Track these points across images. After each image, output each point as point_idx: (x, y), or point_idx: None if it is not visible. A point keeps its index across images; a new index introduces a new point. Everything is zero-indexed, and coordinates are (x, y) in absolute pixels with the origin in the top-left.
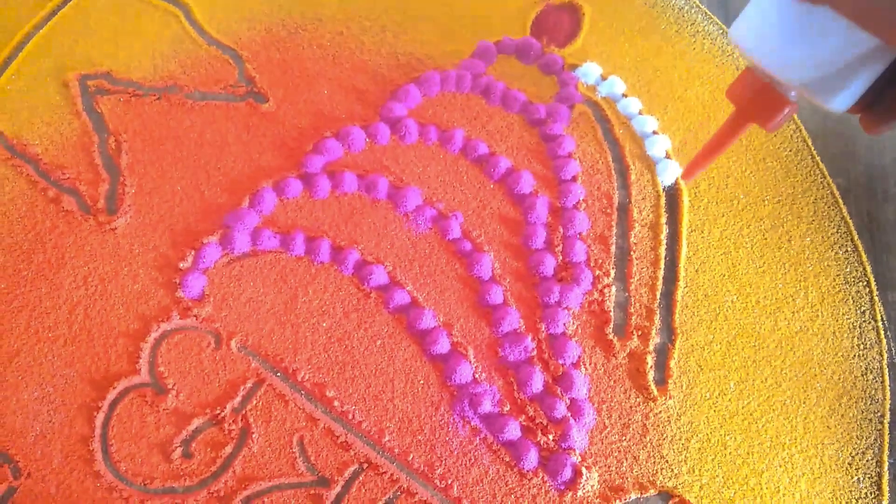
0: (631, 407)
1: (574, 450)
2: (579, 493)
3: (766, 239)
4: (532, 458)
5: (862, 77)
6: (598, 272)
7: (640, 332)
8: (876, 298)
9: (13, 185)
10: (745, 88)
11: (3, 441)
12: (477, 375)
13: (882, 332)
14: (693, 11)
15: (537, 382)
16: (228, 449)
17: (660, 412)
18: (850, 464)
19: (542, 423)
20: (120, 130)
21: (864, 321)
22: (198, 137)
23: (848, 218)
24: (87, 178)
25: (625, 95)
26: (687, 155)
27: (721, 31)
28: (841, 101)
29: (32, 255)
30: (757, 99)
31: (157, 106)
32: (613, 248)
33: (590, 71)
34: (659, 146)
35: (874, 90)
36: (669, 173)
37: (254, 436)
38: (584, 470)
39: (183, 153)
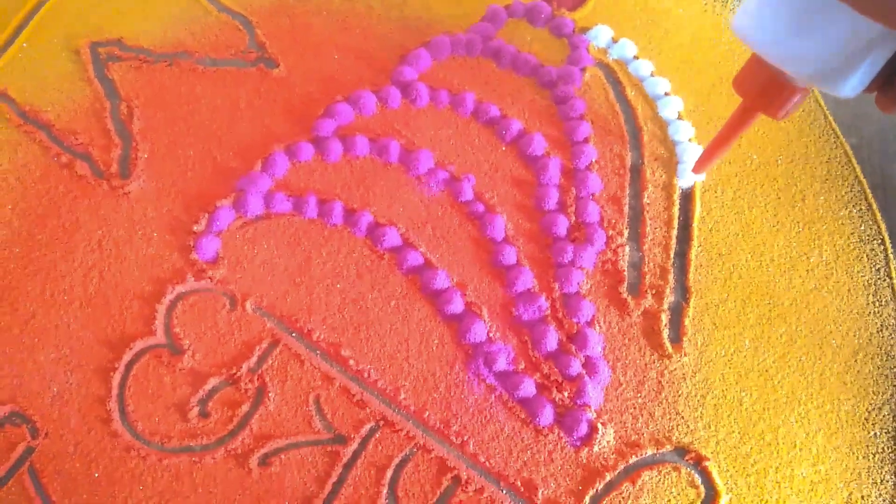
0: (646, 364)
1: (589, 406)
2: (595, 448)
3: (779, 198)
4: (547, 415)
5: (869, 63)
6: (611, 232)
7: (654, 291)
8: (891, 256)
9: (26, 151)
10: (752, 79)
11: (20, 402)
12: (491, 334)
13: None
14: None
15: (552, 341)
16: (245, 408)
17: (675, 369)
18: (866, 419)
19: (556, 380)
20: (132, 96)
21: (879, 278)
22: (209, 103)
23: (861, 176)
24: (100, 143)
25: (636, 58)
26: (698, 116)
27: None
28: (850, 88)
29: (46, 220)
30: (764, 89)
31: (169, 72)
32: (626, 209)
33: (601, 34)
34: (671, 108)
35: (888, 69)
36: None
37: (270, 395)
38: (599, 426)
39: (195, 118)
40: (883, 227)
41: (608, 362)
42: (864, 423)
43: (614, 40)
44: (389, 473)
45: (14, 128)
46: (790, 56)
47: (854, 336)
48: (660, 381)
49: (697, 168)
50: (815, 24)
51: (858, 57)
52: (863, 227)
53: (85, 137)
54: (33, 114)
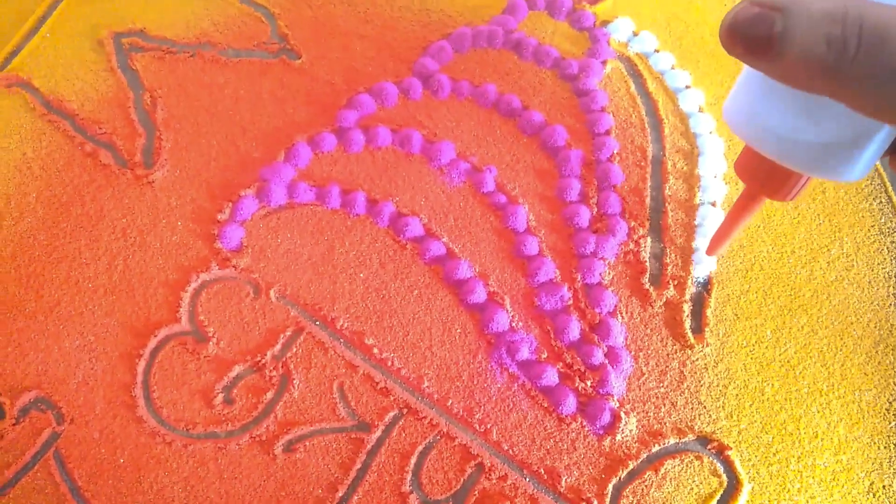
0: (668, 354)
1: (612, 395)
2: (618, 437)
3: None
4: (570, 404)
5: (871, 150)
6: (633, 223)
7: (675, 282)
8: None
9: (50, 140)
10: (752, 165)
11: (46, 388)
12: (514, 324)
13: None
14: None
15: (574, 330)
16: (270, 395)
17: (697, 359)
18: (887, 409)
19: (579, 369)
20: (155, 87)
21: None
22: (232, 93)
23: (881, 169)
24: (124, 132)
25: (657, 51)
26: (719, 109)
27: None
28: (856, 175)
29: (71, 208)
30: (768, 177)
31: (192, 63)
32: (648, 201)
33: (622, 27)
34: (692, 100)
35: None
36: (704, 266)
37: (294, 382)
38: (622, 415)
39: (218, 109)
40: None
41: (630, 352)
42: (885, 413)
43: (635, 33)
44: (413, 460)
45: (38, 117)
46: (783, 149)
47: (875, 327)
48: (682, 371)
49: (710, 251)
50: (810, 119)
51: (858, 146)
52: (883, 220)
53: (109, 127)
54: (57, 103)
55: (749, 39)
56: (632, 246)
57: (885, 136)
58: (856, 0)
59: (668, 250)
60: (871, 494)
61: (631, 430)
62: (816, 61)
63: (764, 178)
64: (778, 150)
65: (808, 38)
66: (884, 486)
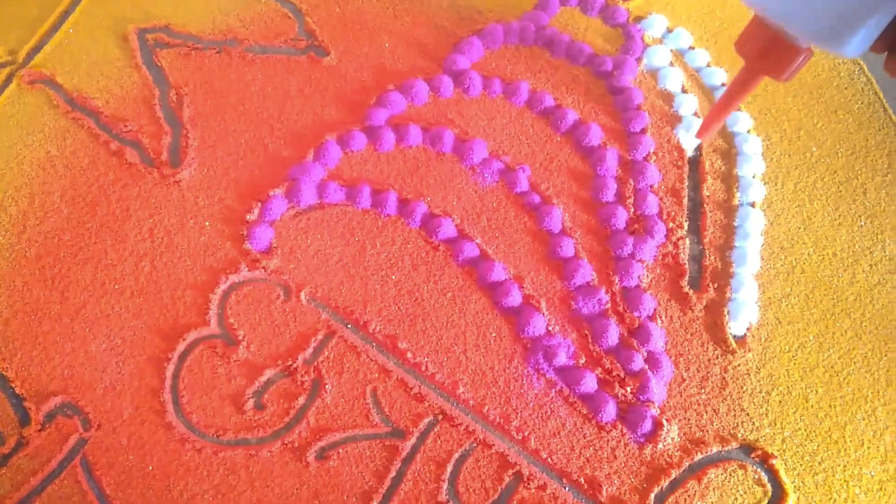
0: (709, 360)
1: (653, 402)
2: (659, 445)
3: (840, 192)
4: (610, 411)
5: (874, 22)
6: (671, 224)
7: (716, 285)
8: None
9: (74, 138)
10: (753, 41)
11: (72, 392)
12: (550, 328)
13: None
14: None
15: (613, 335)
16: (301, 400)
17: (739, 365)
18: None
19: (619, 375)
20: (181, 84)
21: None
22: (260, 91)
23: None
24: (150, 130)
25: (692, 48)
26: (756, 107)
27: None
28: (854, 48)
29: (97, 208)
30: (766, 51)
31: (218, 59)
32: (686, 201)
33: (656, 23)
34: None
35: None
36: (689, 142)
37: (327, 387)
38: (664, 422)
39: (245, 106)
40: None
41: (671, 357)
42: None
43: (669, 30)
44: (449, 469)
45: (62, 114)
46: (791, 15)
47: None
48: (724, 377)
49: (701, 133)
50: None
51: (861, 15)
52: None
53: (134, 125)
54: (81, 100)
55: None
56: (670, 248)
57: (882, 11)
58: None
59: (707, 252)
60: None
61: (673, 438)
62: None
63: (763, 53)
64: (784, 15)
65: None
66: None
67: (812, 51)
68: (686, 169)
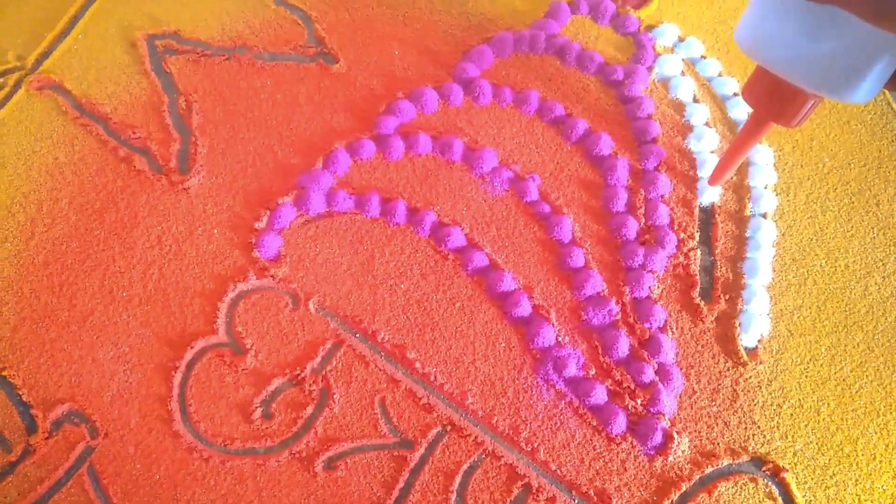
0: (720, 372)
1: (663, 414)
2: (670, 458)
3: (853, 203)
4: (620, 423)
5: (880, 69)
6: (682, 235)
7: (727, 297)
8: None
9: (83, 144)
10: (759, 89)
11: (79, 400)
12: (560, 339)
13: None
14: None
15: (623, 346)
16: (309, 410)
17: (750, 377)
18: None
19: (629, 387)
20: (190, 90)
21: None
22: (269, 98)
23: None
24: (158, 137)
25: (703, 57)
26: None
27: None
28: (862, 96)
29: (105, 215)
30: (774, 99)
31: (227, 66)
32: (697, 212)
33: (667, 32)
34: (740, 108)
35: None
36: (706, 194)
37: (335, 397)
38: (675, 435)
39: (254, 114)
40: None
41: (681, 369)
42: None
43: (681, 39)
44: (458, 480)
45: (70, 120)
46: (793, 66)
47: None
48: (735, 390)
49: (713, 180)
50: (819, 33)
51: (867, 63)
52: None
53: (143, 131)
54: (90, 106)
55: None
56: (681, 259)
57: (889, 56)
58: None
59: (718, 263)
60: None
61: (683, 451)
62: None
63: (771, 101)
64: (786, 67)
65: None
66: None
67: (820, 97)
68: (697, 179)
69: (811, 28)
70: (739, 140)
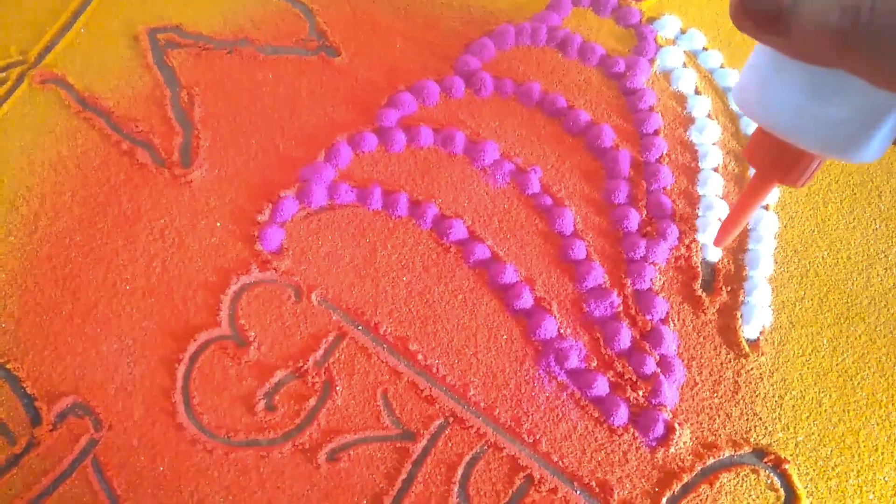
0: (722, 363)
1: (665, 406)
2: (672, 449)
3: (855, 194)
4: (622, 414)
5: (885, 129)
6: (684, 227)
7: (729, 288)
8: None
9: (86, 138)
10: (762, 150)
11: (83, 393)
12: (562, 330)
13: None
14: None
15: (625, 338)
16: (312, 402)
17: (752, 369)
18: None
19: (631, 378)
20: (192, 84)
21: None
22: (271, 91)
23: None
24: (161, 131)
25: (705, 49)
26: None
27: None
28: (871, 155)
29: (108, 208)
30: (778, 161)
31: (229, 60)
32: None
33: (669, 24)
34: None
35: None
36: (711, 253)
37: (337, 388)
38: (676, 426)
39: (256, 107)
40: None
41: (683, 361)
42: None
43: (683, 31)
44: (460, 471)
45: (73, 114)
46: (796, 130)
47: None
48: (736, 381)
49: (718, 242)
50: (826, 97)
51: (876, 124)
52: None
53: (145, 125)
54: (92, 100)
55: (759, 13)
56: (683, 251)
57: None
58: None
59: (720, 255)
60: None
61: (685, 443)
62: (829, 31)
63: (775, 162)
64: (790, 130)
65: (819, 6)
66: None
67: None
68: (699, 171)
69: (817, 92)
70: (743, 201)
